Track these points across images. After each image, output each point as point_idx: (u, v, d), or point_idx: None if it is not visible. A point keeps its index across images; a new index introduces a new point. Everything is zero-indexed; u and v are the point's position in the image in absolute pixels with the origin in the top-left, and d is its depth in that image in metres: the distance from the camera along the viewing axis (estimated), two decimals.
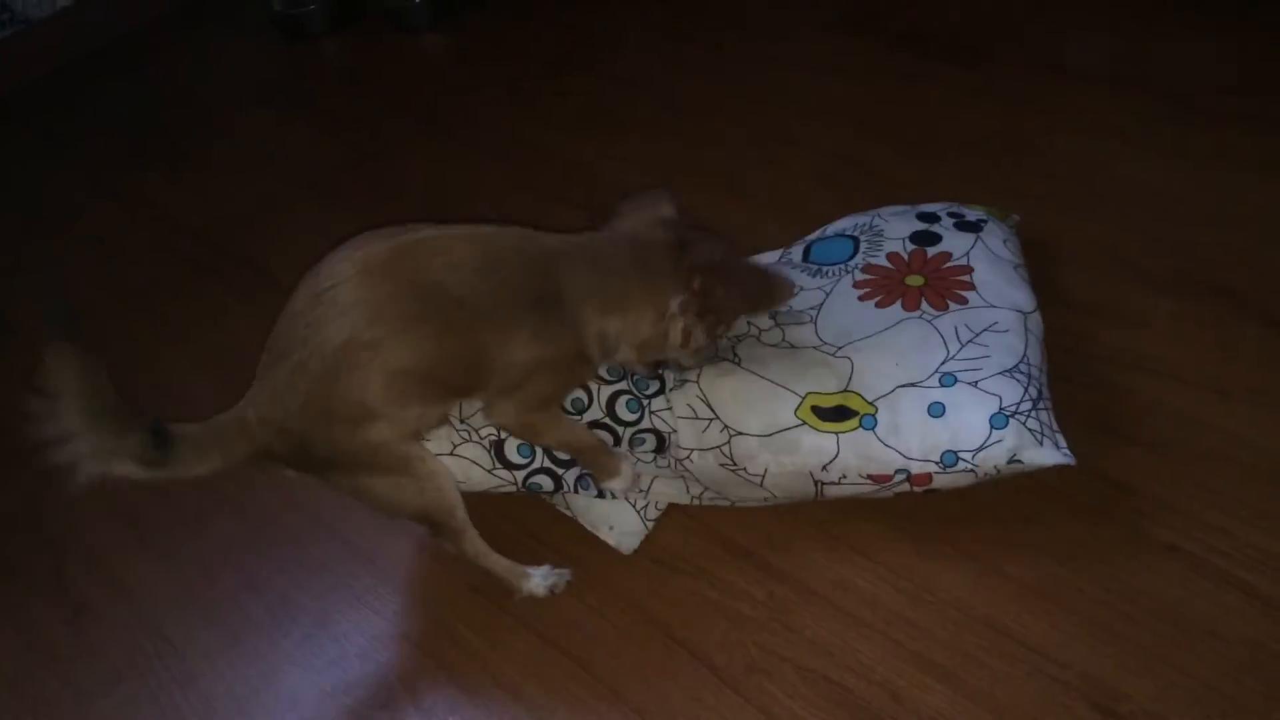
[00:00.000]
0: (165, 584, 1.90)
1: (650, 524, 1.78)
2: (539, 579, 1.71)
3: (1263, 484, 1.67)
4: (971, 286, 1.74)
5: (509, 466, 1.70)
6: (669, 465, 1.72)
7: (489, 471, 1.69)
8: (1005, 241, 1.86)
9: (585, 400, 1.68)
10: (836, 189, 2.38)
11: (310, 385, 1.46)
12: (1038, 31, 2.76)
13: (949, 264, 1.79)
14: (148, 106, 3.40)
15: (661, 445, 1.70)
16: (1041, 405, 1.60)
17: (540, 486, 1.72)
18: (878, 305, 1.74)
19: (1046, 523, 1.67)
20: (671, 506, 1.81)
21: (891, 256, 1.82)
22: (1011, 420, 1.56)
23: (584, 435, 1.67)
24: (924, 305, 1.72)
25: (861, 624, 1.61)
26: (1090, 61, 2.63)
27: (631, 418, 1.69)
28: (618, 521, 1.77)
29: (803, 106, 2.70)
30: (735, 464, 1.65)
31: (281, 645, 1.77)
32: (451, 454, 1.67)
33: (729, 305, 1.60)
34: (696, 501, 1.78)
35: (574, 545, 1.78)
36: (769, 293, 1.65)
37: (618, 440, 1.69)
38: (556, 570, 1.72)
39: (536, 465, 1.70)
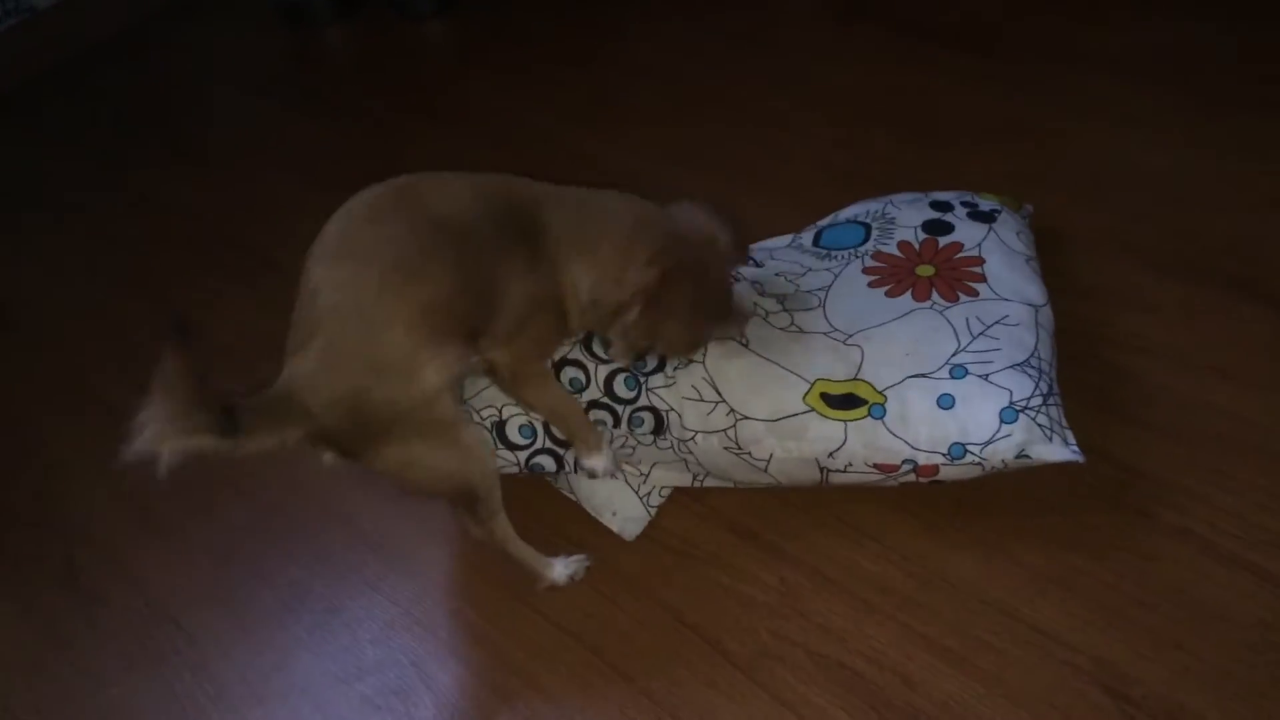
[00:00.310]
0: (176, 572, 1.90)
1: (653, 510, 1.78)
2: (560, 567, 1.71)
3: (1271, 467, 1.67)
4: (982, 278, 1.74)
5: (511, 447, 1.70)
6: (671, 447, 1.72)
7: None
8: (1019, 234, 1.85)
9: (584, 379, 1.68)
10: (842, 176, 2.38)
11: (356, 345, 1.43)
12: (1046, 18, 2.76)
13: (960, 254, 1.78)
14: (151, 95, 3.38)
15: (660, 426, 1.69)
16: (1052, 401, 1.60)
17: (543, 467, 1.72)
18: (888, 294, 1.74)
19: (1057, 507, 1.68)
20: (681, 492, 1.81)
21: (902, 245, 1.82)
22: (1021, 415, 1.56)
23: (570, 402, 1.66)
24: (934, 296, 1.72)
25: (873, 609, 1.61)
26: (1100, 48, 2.62)
27: (629, 395, 1.68)
28: (621, 507, 1.77)
29: (809, 93, 2.70)
30: (740, 448, 1.65)
31: (293, 631, 1.78)
32: None
33: (677, 311, 1.55)
34: (698, 483, 1.78)
35: (583, 531, 1.78)
36: (722, 316, 1.62)
37: (617, 420, 1.69)
38: (575, 558, 1.73)
39: (539, 446, 1.70)
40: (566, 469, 1.74)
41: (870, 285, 1.76)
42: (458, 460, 1.55)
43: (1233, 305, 1.92)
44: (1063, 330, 1.73)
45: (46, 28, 3.52)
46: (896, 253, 1.81)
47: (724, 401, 1.65)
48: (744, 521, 1.76)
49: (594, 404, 1.68)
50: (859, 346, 1.65)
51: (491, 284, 1.51)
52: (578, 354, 1.68)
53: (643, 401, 1.69)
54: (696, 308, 1.58)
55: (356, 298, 1.44)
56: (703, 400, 1.66)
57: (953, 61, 2.68)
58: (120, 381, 2.32)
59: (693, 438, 1.68)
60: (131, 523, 1.99)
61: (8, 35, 3.44)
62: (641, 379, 1.69)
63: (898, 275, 1.77)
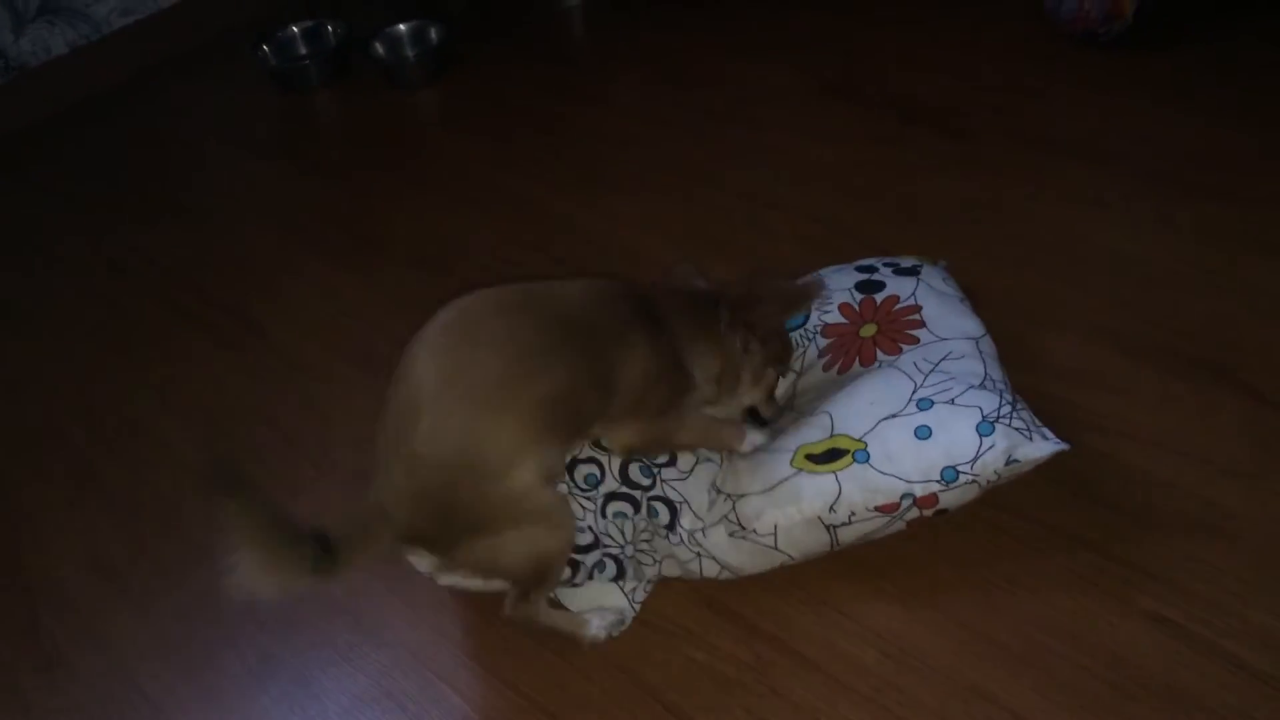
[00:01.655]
0: (142, 636, 1.87)
1: (638, 606, 1.75)
2: (597, 621, 1.69)
3: (1246, 555, 1.68)
4: (921, 324, 1.83)
5: None
6: (682, 542, 1.71)
7: None
8: (944, 280, 1.96)
9: (599, 474, 1.70)
10: (819, 251, 2.39)
11: (457, 436, 1.44)
12: (1019, 103, 2.82)
13: (899, 305, 1.87)
14: (139, 154, 3.40)
15: (673, 520, 1.70)
16: (1020, 407, 1.66)
17: None
18: (839, 372, 1.83)
19: (1033, 589, 1.68)
20: None
21: (843, 308, 1.91)
22: (997, 425, 1.61)
23: (704, 420, 1.74)
24: (879, 354, 1.80)
25: (849, 689, 1.60)
26: (1071, 134, 2.68)
27: (646, 482, 1.71)
28: (607, 606, 1.75)
29: (788, 169, 2.74)
30: (744, 528, 1.66)
31: (260, 702, 1.75)
32: None
33: (768, 313, 1.72)
34: (709, 578, 1.76)
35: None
36: (802, 293, 1.79)
37: (637, 507, 1.70)
38: (611, 609, 1.71)
39: None
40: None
41: (824, 369, 1.86)
42: (544, 540, 1.55)
43: (1205, 390, 1.94)
44: (1040, 412, 1.74)
45: (37, 86, 3.54)
46: (841, 319, 1.89)
47: (720, 492, 1.71)
48: (720, 598, 1.75)
49: (613, 495, 1.70)
50: (826, 413, 1.71)
51: (611, 372, 1.57)
52: (590, 451, 1.70)
53: (657, 491, 1.71)
54: (770, 298, 1.74)
55: (471, 385, 1.45)
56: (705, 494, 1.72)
57: (927, 142, 2.73)
58: (94, 439, 2.30)
59: (702, 529, 1.69)
60: (99, 584, 1.97)
61: None
62: (656, 469, 1.72)
63: (845, 345, 1.85)
